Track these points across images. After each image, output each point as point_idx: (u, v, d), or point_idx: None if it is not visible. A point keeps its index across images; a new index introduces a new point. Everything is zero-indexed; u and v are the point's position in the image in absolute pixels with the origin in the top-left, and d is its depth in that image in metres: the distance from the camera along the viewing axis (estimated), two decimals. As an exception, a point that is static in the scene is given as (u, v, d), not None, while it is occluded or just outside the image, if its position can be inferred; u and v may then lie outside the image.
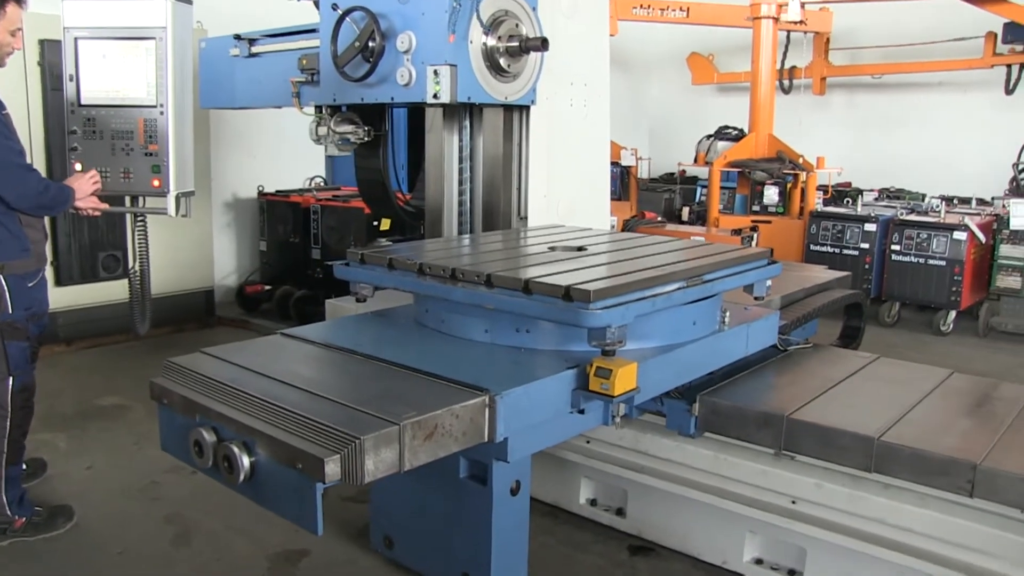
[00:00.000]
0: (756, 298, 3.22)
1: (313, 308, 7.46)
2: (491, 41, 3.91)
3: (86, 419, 5.07)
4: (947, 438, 2.78)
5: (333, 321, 3.15)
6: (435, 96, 3.82)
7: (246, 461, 2.09)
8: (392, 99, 4.03)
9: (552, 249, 3.20)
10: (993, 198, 10.78)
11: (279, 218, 7.78)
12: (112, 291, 6.46)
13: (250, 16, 6.54)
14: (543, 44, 3.98)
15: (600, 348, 2.45)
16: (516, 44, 3.96)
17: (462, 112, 4.27)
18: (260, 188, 7.96)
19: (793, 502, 3.03)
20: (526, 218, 4.53)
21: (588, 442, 3.50)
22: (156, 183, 3.98)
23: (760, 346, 3.28)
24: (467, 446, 2.21)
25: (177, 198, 4.03)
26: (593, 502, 3.71)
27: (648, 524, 3.49)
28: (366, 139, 4.63)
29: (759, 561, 3.22)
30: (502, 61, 3.96)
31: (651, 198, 12.39)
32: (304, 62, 4.61)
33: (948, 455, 2.65)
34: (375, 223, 7.32)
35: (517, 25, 4.01)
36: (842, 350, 3.83)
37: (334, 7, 4.14)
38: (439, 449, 2.12)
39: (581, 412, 2.55)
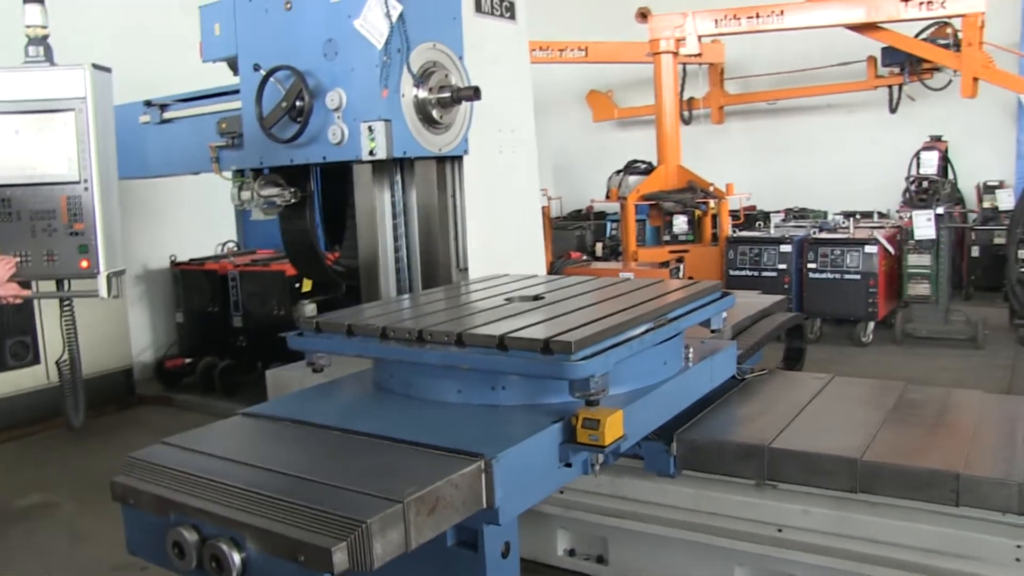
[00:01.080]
0: (713, 331, 3.24)
1: (239, 378, 7.22)
2: (422, 93, 3.88)
3: (7, 523, 4.72)
4: (925, 451, 2.84)
5: (292, 395, 3.01)
6: (371, 152, 3.76)
7: (237, 558, 1.95)
8: (324, 158, 3.96)
9: (509, 300, 3.15)
10: (888, 211, 11.29)
11: (195, 287, 7.53)
12: (22, 380, 6.11)
13: (153, 81, 6.36)
14: (475, 93, 3.97)
15: (584, 399, 2.40)
16: (447, 95, 3.94)
17: (393, 167, 4.20)
18: (172, 257, 7.69)
19: (779, 530, 3.03)
20: (466, 269, 4.48)
21: (562, 492, 3.44)
22: (84, 264, 3.77)
23: (723, 378, 3.29)
24: (467, 515, 2.12)
25: (108, 278, 3.82)
26: (571, 552, 3.63)
27: (632, 569, 3.43)
28: (292, 201, 4.52)
29: (750, 592, 3.19)
30: (434, 113, 3.93)
31: (563, 236, 12.54)
32: (224, 125, 4.49)
33: (931, 468, 2.71)
34: (297, 285, 7.16)
35: (447, 76, 3.99)
36: (797, 373, 3.90)
37: (256, 67, 4.05)
38: (442, 522, 2.03)
39: (568, 465, 2.49)
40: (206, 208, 8.19)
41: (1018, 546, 2.64)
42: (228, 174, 4.52)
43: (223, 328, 7.32)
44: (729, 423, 3.14)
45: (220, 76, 4.65)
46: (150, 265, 8.02)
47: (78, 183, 3.78)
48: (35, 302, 5.54)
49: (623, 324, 2.63)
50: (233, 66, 4.44)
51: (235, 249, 8.23)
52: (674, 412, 2.95)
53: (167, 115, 5.11)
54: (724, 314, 3.22)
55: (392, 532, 1.88)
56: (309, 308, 7.70)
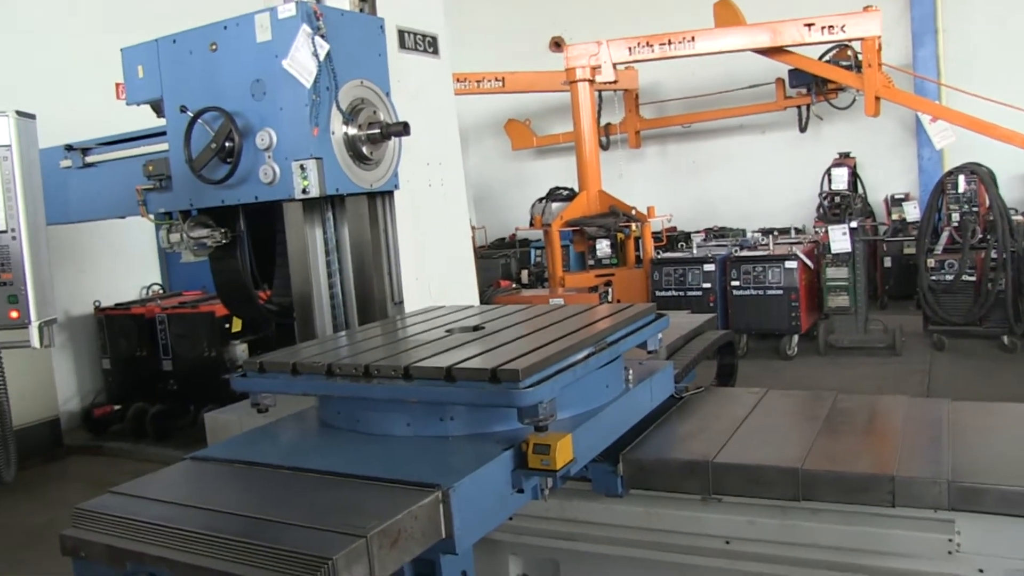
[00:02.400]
0: (649, 352, 3.33)
1: (172, 423, 7.09)
2: (352, 130, 3.92)
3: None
4: (860, 456, 2.98)
5: (239, 437, 2.99)
6: (304, 191, 3.77)
7: (199, 604, 1.95)
8: (256, 198, 3.95)
9: (450, 332, 3.20)
10: (804, 226, 11.71)
11: (121, 332, 7.39)
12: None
13: (70, 125, 6.26)
14: (405, 129, 4.03)
15: (533, 424, 2.46)
16: (377, 131, 3.98)
17: (324, 204, 4.21)
18: (96, 303, 7.52)
19: (727, 542, 3.12)
20: (402, 303, 4.51)
21: (511, 518, 3.47)
22: (14, 314, 3.67)
23: (662, 398, 3.38)
24: (427, 546, 2.15)
25: (40, 327, 3.73)
26: (524, 577, 3.68)
27: (585, 590, 3.48)
28: (223, 241, 4.50)
29: (700, 605, 3.27)
30: (364, 149, 3.96)
31: (489, 265, 12.63)
32: (151, 168, 4.43)
33: (868, 472, 2.83)
34: (227, 325, 7.08)
35: (375, 112, 4.04)
36: (732, 389, 4.02)
37: (183, 109, 4.03)
38: (404, 555, 2.06)
39: (520, 491, 2.54)
40: (128, 252, 8.06)
41: (950, 539, 2.77)
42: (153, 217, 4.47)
43: (152, 373, 7.20)
44: (672, 441, 3.22)
45: (140, 119, 4.62)
46: (72, 311, 7.82)
47: (5, 232, 3.70)
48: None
49: (566, 350, 2.69)
50: (157, 108, 4.41)
51: (161, 292, 8.10)
52: (618, 433, 3.02)
53: (89, 159, 5.02)
54: (660, 335, 3.32)
55: (357, 567, 1.90)
56: (240, 348, 7.65)
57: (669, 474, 2.99)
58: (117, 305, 7.53)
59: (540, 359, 2.54)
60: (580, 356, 2.73)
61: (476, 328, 3.20)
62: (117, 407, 7.34)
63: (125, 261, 7.93)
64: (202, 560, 1.98)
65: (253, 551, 1.94)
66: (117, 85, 7.63)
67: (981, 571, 2.76)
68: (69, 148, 5.04)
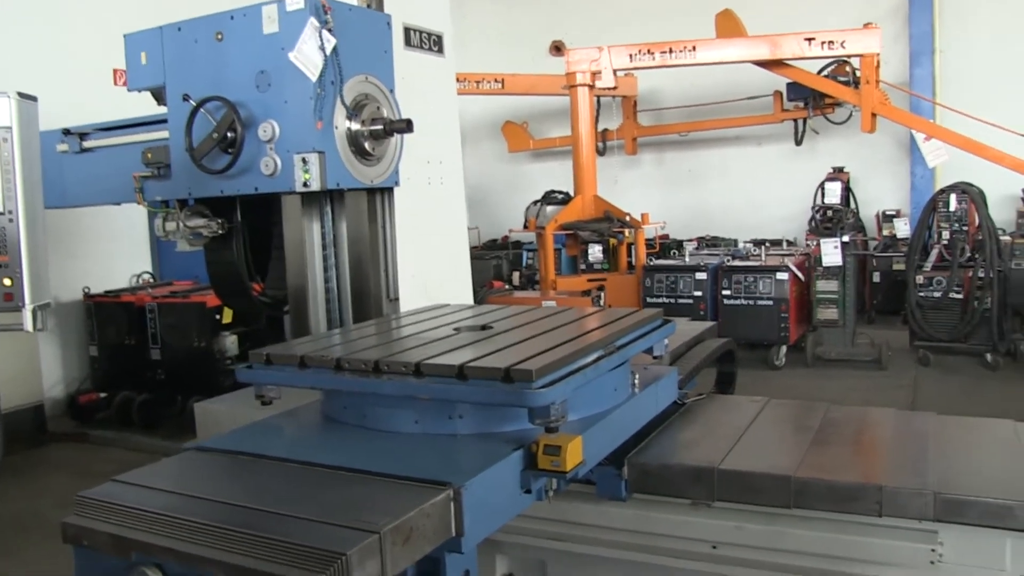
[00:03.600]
0: (655, 357, 3.33)
1: (158, 412, 7.03)
2: (355, 126, 3.92)
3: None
4: (850, 466, 3.02)
5: (243, 429, 2.96)
6: (305, 184, 3.76)
7: (206, 596, 1.92)
8: (256, 189, 3.94)
9: (458, 331, 3.18)
10: (796, 239, 11.76)
11: (110, 320, 7.32)
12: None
13: (65, 109, 6.21)
14: (408, 126, 4.02)
15: (543, 426, 2.45)
16: (380, 127, 3.98)
17: (323, 198, 4.20)
18: (86, 290, 7.45)
19: (714, 547, 3.13)
20: (397, 299, 4.50)
21: (505, 518, 3.46)
22: (8, 298, 3.65)
23: (667, 403, 3.38)
24: (437, 544, 2.13)
25: (34, 311, 3.70)
26: (510, 576, 3.67)
27: (572, 591, 3.47)
28: (220, 232, 4.47)
29: (685, 608, 3.28)
30: (367, 145, 3.97)
31: (480, 266, 12.57)
32: (149, 155, 4.41)
33: (857, 481, 2.86)
34: (217, 316, 7.04)
35: (378, 108, 4.03)
36: (734, 397, 4.04)
37: (185, 98, 4.01)
38: (415, 552, 2.04)
39: (528, 492, 2.53)
40: (120, 239, 7.99)
41: (932, 550, 2.81)
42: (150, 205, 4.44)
43: (140, 361, 7.14)
44: (678, 446, 3.23)
45: (139, 105, 4.59)
46: (61, 297, 7.74)
47: (3, 214, 3.67)
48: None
49: (577, 352, 2.69)
50: (158, 96, 4.38)
51: (151, 281, 8.03)
52: (625, 437, 3.02)
53: (87, 144, 4.99)
54: (666, 341, 3.32)
55: (370, 563, 1.88)
56: (230, 340, 7.60)
57: (674, 479, 2.99)
58: (107, 292, 7.46)
59: (553, 360, 2.53)
60: (591, 359, 2.72)
61: (484, 327, 3.19)
62: (103, 395, 7.27)
63: (116, 248, 7.86)
64: (211, 552, 1.95)
65: (264, 544, 1.91)
66: (115, 71, 7.57)
67: None
68: (67, 132, 5.01)
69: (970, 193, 8.69)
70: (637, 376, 3.16)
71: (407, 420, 2.69)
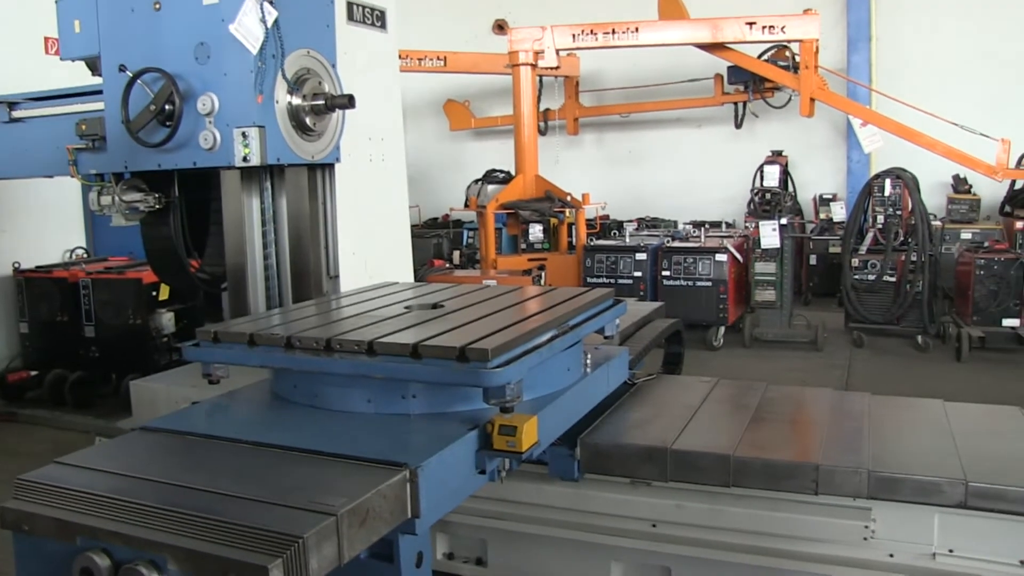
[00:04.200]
0: (606, 337, 3.35)
1: (92, 391, 6.85)
2: (296, 100, 3.84)
3: None
4: (788, 445, 3.11)
5: (191, 408, 2.89)
6: (245, 159, 3.67)
7: (159, 582, 1.87)
8: (195, 163, 3.83)
9: (409, 309, 3.15)
10: (735, 221, 11.92)
11: (42, 296, 7.09)
12: None
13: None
14: (350, 101, 3.95)
15: (499, 405, 2.44)
16: (322, 102, 3.90)
17: (263, 173, 4.11)
18: (16, 265, 7.19)
19: (654, 525, 3.18)
20: (337, 277, 4.45)
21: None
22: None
23: (617, 383, 3.41)
24: (393, 526, 2.12)
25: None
26: (450, 555, 3.66)
27: (512, 569, 3.50)
28: (156, 207, 4.35)
29: (627, 585, 3.32)
30: (308, 120, 3.89)
31: (421, 244, 12.50)
32: (84, 127, 4.25)
33: (794, 460, 2.94)
34: (154, 293, 6.86)
35: (320, 83, 3.96)
36: (683, 377, 4.09)
37: (122, 68, 3.88)
38: (372, 534, 2.02)
39: (483, 472, 2.52)
40: (52, 213, 7.71)
41: (866, 526, 2.92)
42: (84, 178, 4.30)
43: (73, 339, 6.92)
44: (629, 426, 3.26)
45: (72, 75, 4.43)
46: (-10, 273, 7.46)
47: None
48: None
49: (532, 332, 2.68)
50: (92, 66, 4.23)
51: (85, 256, 7.79)
52: (578, 417, 3.03)
53: (16, 114, 4.81)
54: (617, 321, 3.33)
55: (326, 546, 1.86)
56: (167, 317, 7.42)
57: (627, 459, 3.02)
58: (38, 267, 7.21)
59: (508, 339, 2.52)
60: (545, 338, 2.72)
61: (435, 306, 3.17)
62: (34, 373, 7.03)
63: (48, 223, 7.58)
64: (162, 536, 1.90)
65: (217, 527, 1.88)
66: (46, 39, 7.29)
67: (891, 556, 2.94)
68: (-6, 101, 4.81)
69: (904, 178, 8.89)
70: (589, 356, 3.17)
71: (360, 400, 2.66)
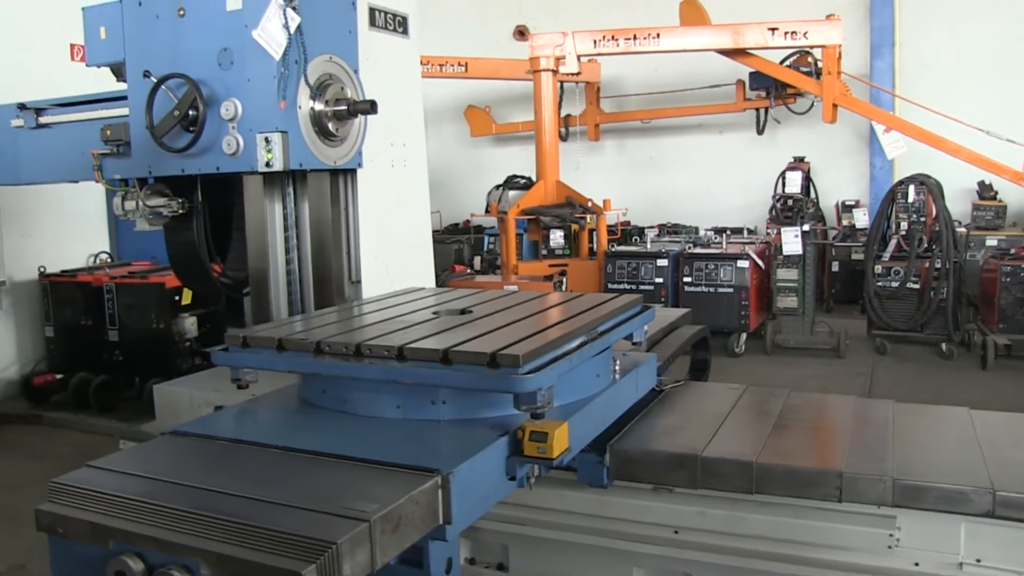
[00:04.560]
0: (634, 344, 3.32)
1: (116, 394, 6.90)
2: (319, 106, 3.84)
3: None
4: (811, 452, 3.09)
5: (221, 413, 2.89)
6: (267, 164, 3.68)
7: (191, 586, 1.86)
8: (218, 168, 3.84)
9: (437, 315, 3.14)
10: (756, 227, 11.87)
11: (67, 300, 7.17)
12: None
13: (16, 83, 6.02)
14: (372, 107, 3.95)
15: (529, 412, 2.42)
16: (344, 108, 3.91)
17: (285, 179, 4.12)
18: (42, 269, 7.27)
19: (676, 532, 3.15)
20: (359, 282, 4.45)
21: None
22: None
23: (646, 390, 3.39)
24: (425, 532, 2.10)
25: (-12, 291, 3.58)
26: (472, 561, 3.65)
27: (534, 575, 3.47)
28: (180, 212, 4.37)
29: (648, 592, 3.30)
30: (330, 125, 3.89)
31: (441, 250, 12.51)
32: (108, 133, 4.29)
33: (817, 467, 2.91)
34: (176, 297, 6.91)
35: (343, 88, 3.96)
36: (712, 384, 4.05)
37: (146, 74, 3.89)
38: (404, 541, 2.01)
39: (513, 479, 2.51)
40: (76, 218, 7.80)
41: (890, 535, 2.88)
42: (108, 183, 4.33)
43: (97, 342, 6.99)
44: (658, 433, 3.23)
45: (94, 82, 4.48)
46: (16, 277, 7.55)
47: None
48: None
49: (562, 337, 2.67)
50: (118, 72, 4.27)
51: (109, 261, 7.86)
52: (607, 423, 3.01)
53: (44, 120, 4.87)
54: (646, 327, 3.31)
55: (360, 552, 1.85)
56: (189, 322, 7.47)
57: (656, 466, 3.00)
58: (63, 272, 7.30)
59: (539, 345, 2.51)
60: (575, 344, 2.71)
61: (464, 312, 3.15)
62: (59, 376, 7.11)
63: (73, 227, 7.67)
64: (195, 540, 1.89)
65: (250, 532, 1.87)
66: (72, 46, 7.36)
67: (916, 564, 2.89)
68: (22, 107, 4.87)
69: (928, 185, 8.82)
70: (618, 362, 3.15)
71: (389, 405, 2.65)
